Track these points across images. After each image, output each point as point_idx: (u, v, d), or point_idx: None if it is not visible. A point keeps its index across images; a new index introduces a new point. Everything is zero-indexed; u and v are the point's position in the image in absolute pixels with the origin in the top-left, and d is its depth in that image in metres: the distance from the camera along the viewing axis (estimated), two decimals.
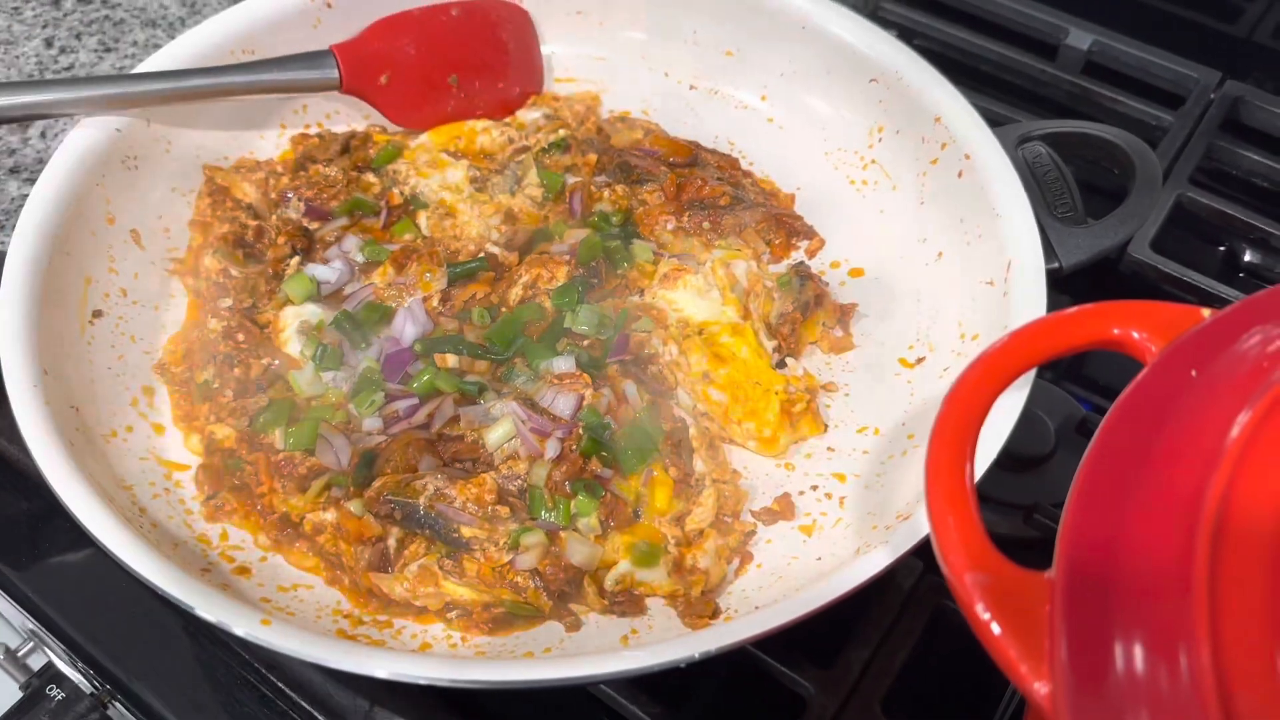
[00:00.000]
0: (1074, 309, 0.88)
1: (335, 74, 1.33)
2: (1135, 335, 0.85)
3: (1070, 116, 1.58)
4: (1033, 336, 0.87)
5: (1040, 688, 0.67)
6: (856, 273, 1.33)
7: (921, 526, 0.95)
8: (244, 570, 1.06)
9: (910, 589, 1.09)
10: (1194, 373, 0.78)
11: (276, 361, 1.17)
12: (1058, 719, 0.64)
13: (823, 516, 1.12)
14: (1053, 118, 1.45)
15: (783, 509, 1.12)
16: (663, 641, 0.91)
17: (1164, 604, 0.65)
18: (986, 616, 0.71)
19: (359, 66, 1.34)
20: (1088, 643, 0.65)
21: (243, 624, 0.89)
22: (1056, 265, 1.20)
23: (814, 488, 1.15)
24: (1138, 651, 0.64)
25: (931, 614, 1.08)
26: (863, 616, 1.07)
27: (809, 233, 1.36)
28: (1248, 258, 1.51)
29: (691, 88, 1.50)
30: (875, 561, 0.93)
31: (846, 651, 1.05)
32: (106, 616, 1.11)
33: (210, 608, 0.90)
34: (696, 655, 0.87)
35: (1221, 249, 1.52)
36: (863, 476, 1.14)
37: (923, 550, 0.95)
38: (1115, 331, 0.85)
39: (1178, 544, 0.67)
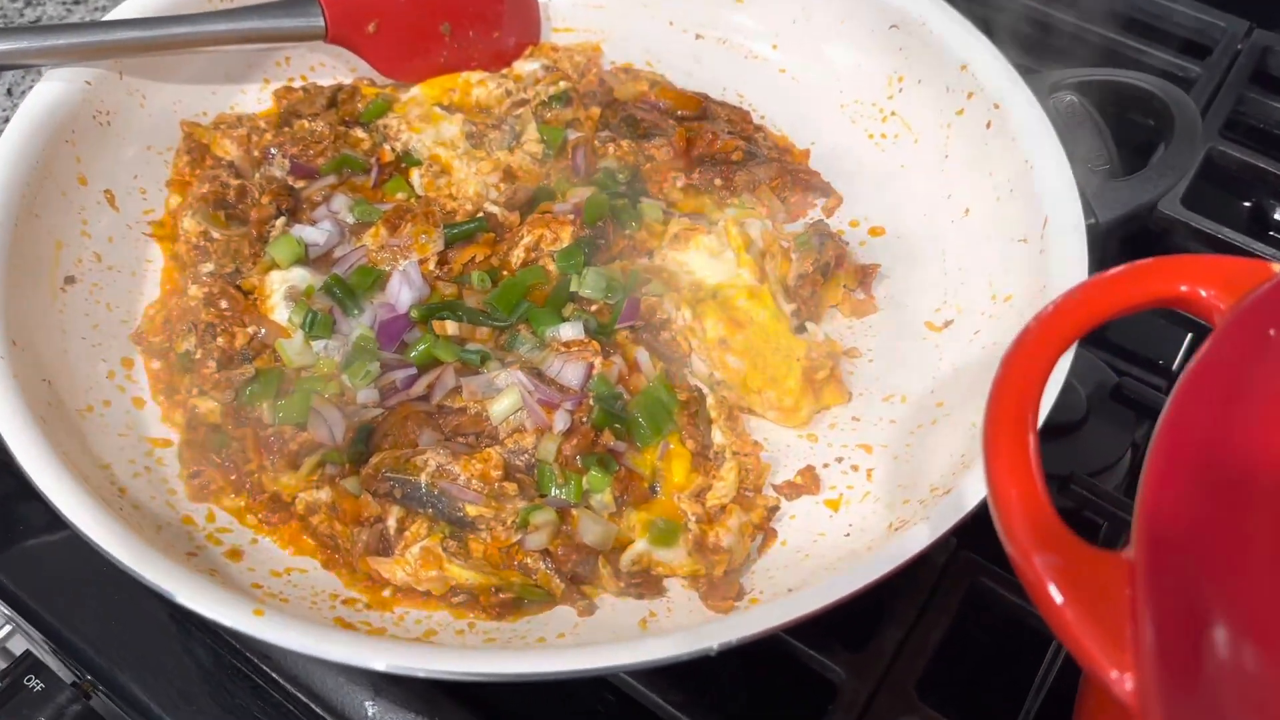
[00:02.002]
0: (1134, 264, 0.81)
1: (320, 22, 1.24)
2: (1203, 293, 0.78)
3: (1085, 64, 1.50)
4: (1091, 294, 0.80)
5: (1123, 680, 0.61)
6: (877, 231, 1.26)
7: (964, 501, 0.88)
8: (235, 553, 0.98)
9: (944, 564, 1.02)
10: (1273, 332, 0.71)
11: (263, 330, 1.09)
12: (1146, 716, 0.58)
13: (849, 490, 1.05)
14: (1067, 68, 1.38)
15: (807, 482, 1.05)
16: (686, 627, 0.85)
17: (1263, 584, 0.59)
18: (1060, 601, 0.64)
19: (345, 14, 1.26)
20: (1179, 630, 0.59)
21: (232, 615, 0.82)
22: (1092, 220, 1.13)
23: (839, 459, 1.08)
24: (1237, 638, 0.57)
25: (967, 590, 1.01)
26: (894, 595, 1.00)
27: (826, 189, 1.29)
28: (1279, 215, 1.44)
29: (698, 37, 1.42)
30: (915, 540, 0.87)
31: (878, 633, 0.98)
32: (87, 602, 1.04)
33: (196, 597, 0.83)
34: (732, 641, 0.81)
35: (1247, 204, 1.45)
36: (890, 447, 1.08)
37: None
38: (1182, 289, 0.78)
39: (1274, 518, 0.61)
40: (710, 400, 1.08)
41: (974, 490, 0.89)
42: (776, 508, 1.04)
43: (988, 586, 1.01)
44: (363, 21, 1.27)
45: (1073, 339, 0.78)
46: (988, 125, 1.19)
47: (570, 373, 1.06)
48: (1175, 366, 1.29)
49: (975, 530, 0.87)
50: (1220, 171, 1.39)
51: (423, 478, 0.98)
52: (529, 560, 0.97)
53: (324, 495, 1.00)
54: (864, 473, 1.06)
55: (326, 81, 1.35)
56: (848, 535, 1.00)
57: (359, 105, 1.30)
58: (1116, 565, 0.65)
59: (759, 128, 1.35)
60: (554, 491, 0.99)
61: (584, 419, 1.03)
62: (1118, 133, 1.31)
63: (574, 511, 0.99)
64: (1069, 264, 1.05)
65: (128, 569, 0.84)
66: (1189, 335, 1.32)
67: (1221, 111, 1.42)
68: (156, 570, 0.84)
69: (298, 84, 1.35)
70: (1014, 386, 0.74)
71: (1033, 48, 1.52)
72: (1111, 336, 1.34)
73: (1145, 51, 1.50)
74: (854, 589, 0.83)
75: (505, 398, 1.03)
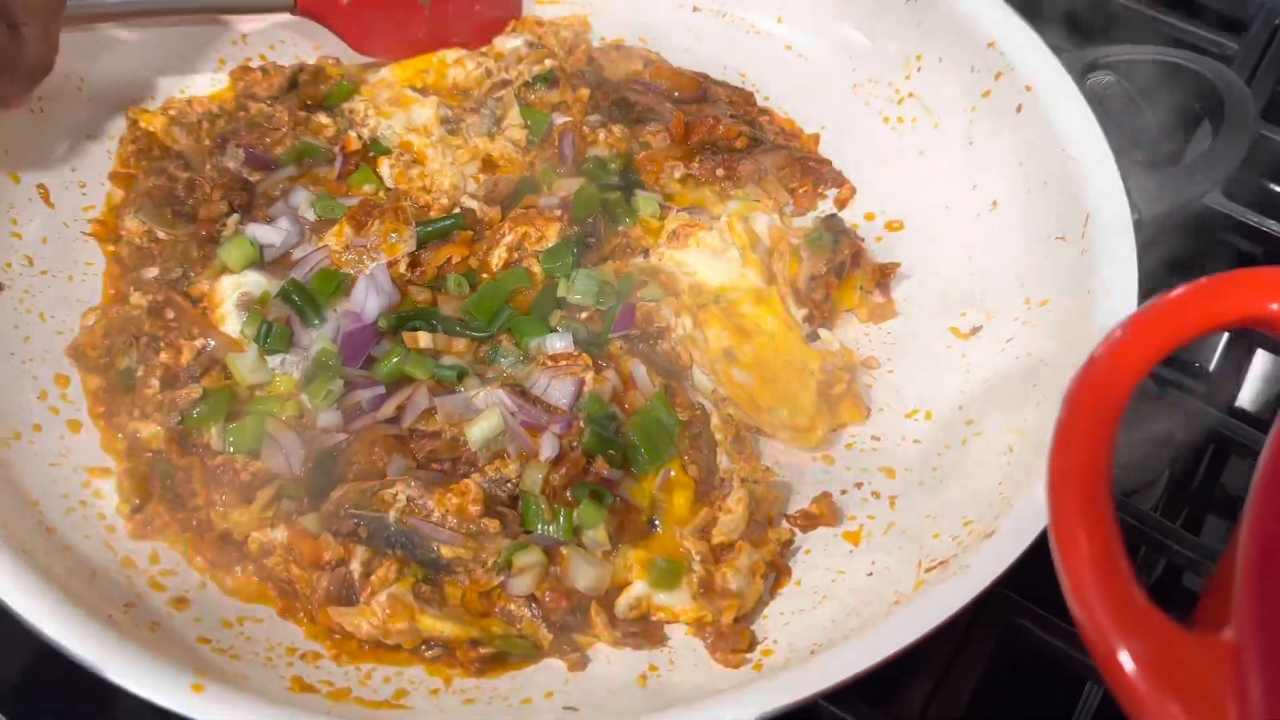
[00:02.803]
0: (1212, 280, 0.70)
1: None
2: None
3: (1115, 44, 1.39)
4: (1165, 315, 0.68)
5: None
6: (895, 226, 1.14)
7: (1009, 547, 0.78)
8: (179, 601, 0.87)
9: (976, 604, 0.91)
10: None
11: (212, 343, 0.97)
12: None
13: (871, 521, 0.94)
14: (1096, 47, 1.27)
15: (823, 512, 0.94)
16: (694, 690, 0.74)
17: None
18: (1147, 690, 0.54)
19: None
20: None
21: (167, 692, 0.70)
22: (1136, 215, 1.02)
23: (858, 485, 0.97)
24: None
25: (1001, 634, 0.90)
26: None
27: (837, 179, 1.18)
28: None
29: (695, 9, 1.30)
30: (955, 594, 0.76)
31: (904, 684, 0.87)
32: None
33: (128, 671, 0.71)
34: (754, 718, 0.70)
35: None
36: (915, 471, 0.97)
37: None
38: (1273, 307, 0.67)
39: None
40: (715, 420, 0.97)
41: (1020, 532, 0.78)
42: (790, 542, 0.93)
43: (1024, 627, 0.90)
44: None
45: (1146, 369, 0.67)
46: (1018, 109, 1.08)
47: (558, 390, 0.95)
48: (1212, 368, 1.18)
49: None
50: (1258, 157, 1.28)
51: (391, 514, 0.87)
52: (512, 607, 0.86)
53: (279, 535, 0.88)
54: (886, 500, 0.96)
55: (287, 61, 1.22)
56: (871, 575, 0.89)
57: (322, 87, 1.18)
58: (1213, 650, 0.55)
59: (764, 110, 1.23)
60: (540, 528, 0.88)
61: (574, 444, 0.92)
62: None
63: (563, 551, 0.88)
64: (1116, 266, 0.94)
65: (49, 640, 0.72)
66: (1225, 334, 1.21)
67: (1263, 91, 1.30)
68: (83, 639, 0.73)
69: (256, 64, 1.22)
70: (1082, 432, 0.62)
71: (1053, 20, 1.40)
72: None
73: (1176, 26, 1.38)
74: (885, 654, 0.73)
75: (485, 420, 0.92)
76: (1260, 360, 1.19)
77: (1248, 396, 1.19)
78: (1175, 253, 1.14)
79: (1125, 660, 0.55)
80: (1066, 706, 0.92)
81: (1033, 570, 0.78)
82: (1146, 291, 0.94)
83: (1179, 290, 0.70)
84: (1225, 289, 0.70)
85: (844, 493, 0.97)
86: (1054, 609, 0.89)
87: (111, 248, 1.07)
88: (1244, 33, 1.37)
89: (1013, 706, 0.93)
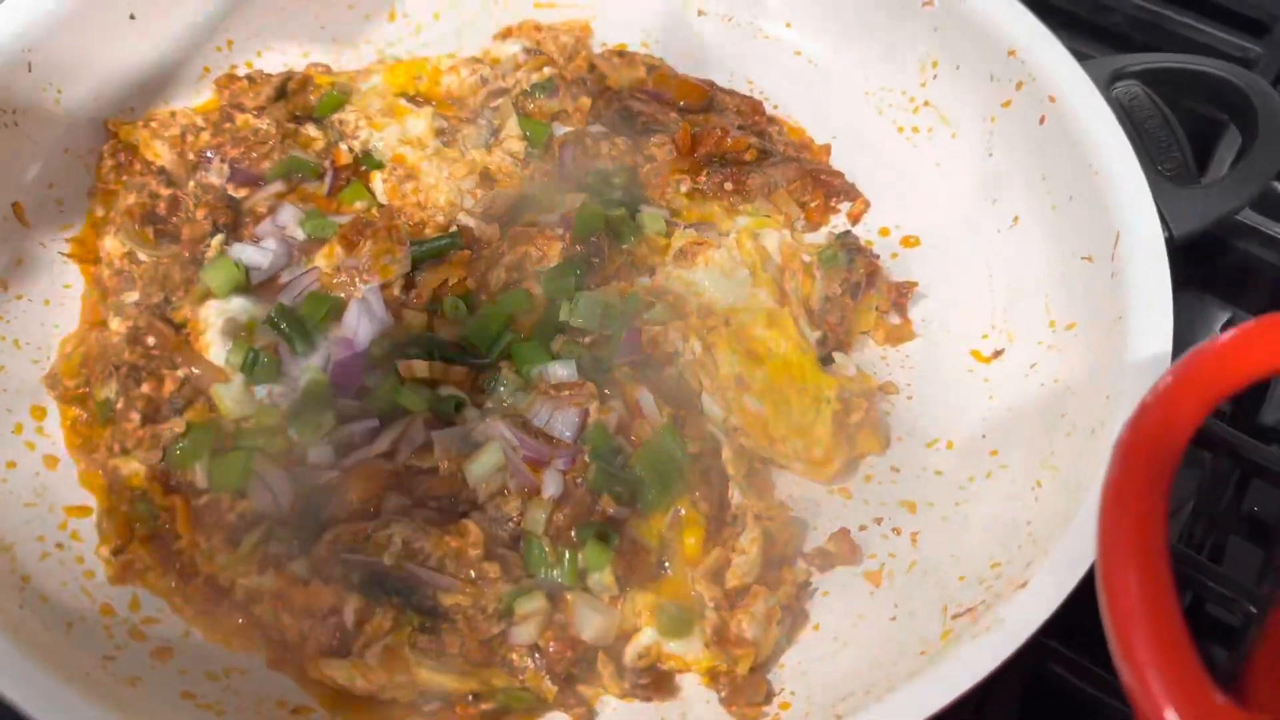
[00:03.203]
0: (1264, 322, 0.65)
1: None
2: None
3: (1135, 49, 1.33)
4: (1217, 361, 0.64)
5: None
6: (910, 242, 1.10)
7: (1045, 600, 0.73)
8: (163, 652, 0.82)
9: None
10: None
11: (196, 372, 0.92)
12: None
13: (892, 559, 0.90)
14: (1119, 50, 1.22)
15: (842, 550, 0.90)
16: None
17: None
18: None
19: None
20: None
21: None
22: (1166, 234, 0.97)
23: (878, 520, 0.92)
24: None
25: (1030, 679, 0.86)
26: None
27: (850, 192, 1.13)
28: None
29: (700, 13, 1.24)
30: (988, 651, 0.71)
31: None
32: None
33: None
34: None
35: None
36: (938, 505, 0.92)
37: None
38: None
39: None
40: (726, 451, 0.92)
41: (1056, 584, 0.74)
42: (808, 583, 0.88)
43: (1055, 673, 0.86)
44: None
45: (1198, 420, 0.62)
46: (1041, 120, 1.03)
47: (561, 421, 0.90)
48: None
49: None
50: None
51: (386, 558, 0.82)
52: (514, 657, 0.82)
53: (268, 581, 0.83)
54: (908, 537, 0.91)
55: (275, 69, 1.17)
56: (894, 619, 0.84)
57: (311, 97, 1.13)
58: None
59: (773, 120, 1.18)
60: (544, 572, 0.83)
61: (578, 480, 0.87)
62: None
63: (568, 596, 0.83)
64: (1149, 291, 0.89)
65: (20, 710, 0.68)
66: None
67: None
68: (52, 706, 0.67)
69: (242, 72, 1.16)
70: (1136, 490, 0.58)
71: (1069, 27, 1.35)
72: None
73: (1195, 28, 1.33)
74: (920, 717, 0.68)
75: (485, 455, 0.87)
76: None
77: (1272, 415, 1.15)
78: (1204, 270, 1.09)
79: None
80: None
81: (1063, 615, 0.74)
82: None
83: (1229, 335, 0.66)
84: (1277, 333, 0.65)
85: (863, 529, 0.92)
86: (1085, 652, 0.85)
87: (92, 269, 1.01)
88: (1266, 35, 1.32)
89: None
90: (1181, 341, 0.86)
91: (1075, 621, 0.75)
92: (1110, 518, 0.57)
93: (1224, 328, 1.09)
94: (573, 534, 0.85)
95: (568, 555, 0.84)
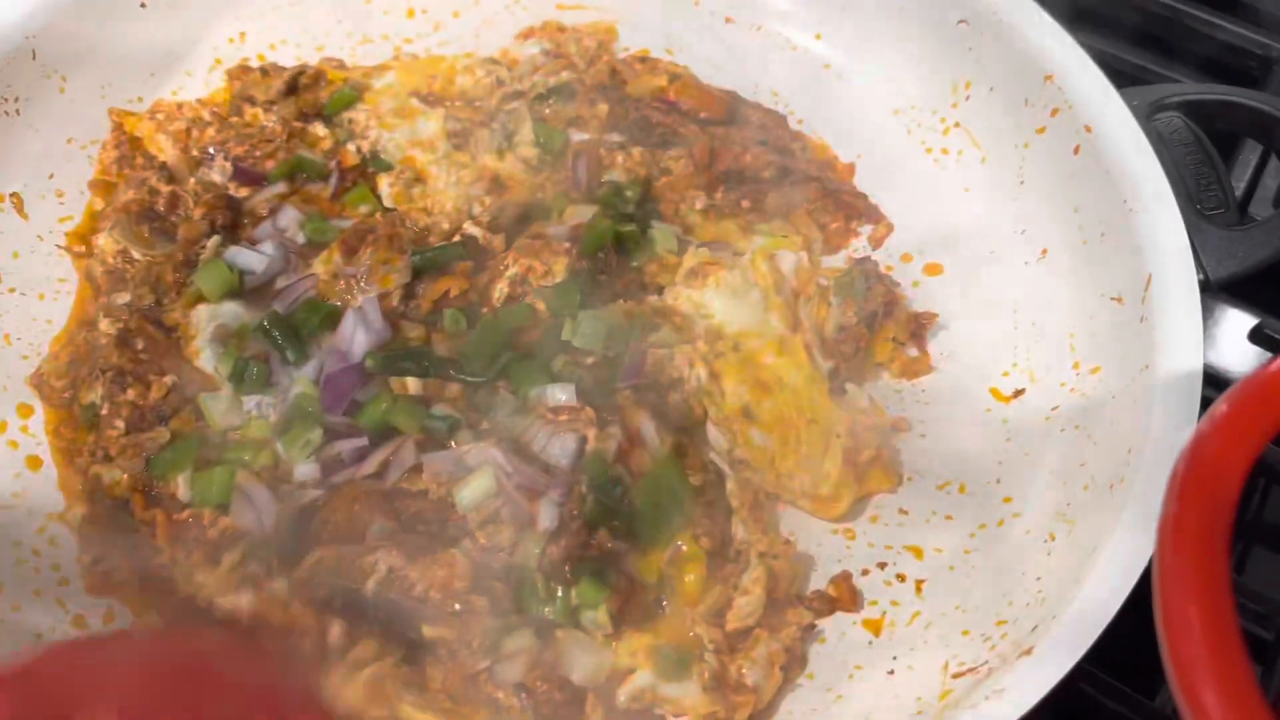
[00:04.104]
0: None
1: None
2: None
3: (1148, 45, 1.27)
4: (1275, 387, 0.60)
5: None
6: (934, 269, 1.05)
7: (1050, 671, 0.69)
8: None
9: None
10: None
11: (184, 379, 0.89)
12: None
13: (894, 608, 0.86)
14: (1134, 46, 1.19)
15: (842, 595, 0.86)
16: None
17: None
18: None
19: None
20: None
21: None
22: (1201, 276, 0.92)
23: (881, 565, 0.89)
24: None
25: (1061, 699, 0.81)
26: None
27: (873, 215, 1.09)
28: None
29: (728, 20, 1.20)
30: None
31: None
32: None
33: None
34: None
35: None
36: (946, 552, 0.88)
37: None
38: None
39: None
40: (730, 484, 0.88)
41: (1062, 654, 0.70)
42: (812, 626, 0.85)
43: (1087, 693, 0.81)
44: None
45: (1258, 449, 0.59)
46: (1075, 150, 0.98)
47: (558, 448, 0.86)
48: None
49: None
50: None
51: (370, 585, 0.79)
52: (500, 695, 0.78)
53: (246, 601, 0.80)
54: (912, 585, 0.87)
55: (288, 63, 1.14)
56: (892, 673, 0.81)
57: (322, 94, 1.09)
58: None
59: (797, 135, 1.14)
60: (535, 608, 0.80)
61: (574, 512, 0.83)
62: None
63: (559, 633, 0.80)
64: (1180, 340, 0.84)
65: None
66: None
67: None
68: None
69: (255, 65, 1.13)
70: (1197, 526, 0.55)
71: (1085, 24, 1.27)
72: None
73: (1217, 25, 1.26)
74: None
75: (477, 481, 0.84)
76: None
77: None
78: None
79: None
80: None
81: None
82: None
83: None
84: None
85: (865, 573, 0.88)
86: (1116, 672, 0.82)
87: (87, 264, 0.99)
88: None
89: None
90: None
91: (1110, 644, 0.72)
92: (1170, 558, 0.55)
93: (1251, 334, 1.04)
94: (566, 570, 0.82)
95: (560, 591, 0.81)
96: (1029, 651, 0.71)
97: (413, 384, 0.90)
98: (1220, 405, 0.61)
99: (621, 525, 0.83)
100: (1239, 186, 1.13)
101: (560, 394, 0.89)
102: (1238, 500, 0.58)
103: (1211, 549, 0.56)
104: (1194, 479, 0.58)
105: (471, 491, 0.84)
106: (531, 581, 0.81)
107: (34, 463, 0.89)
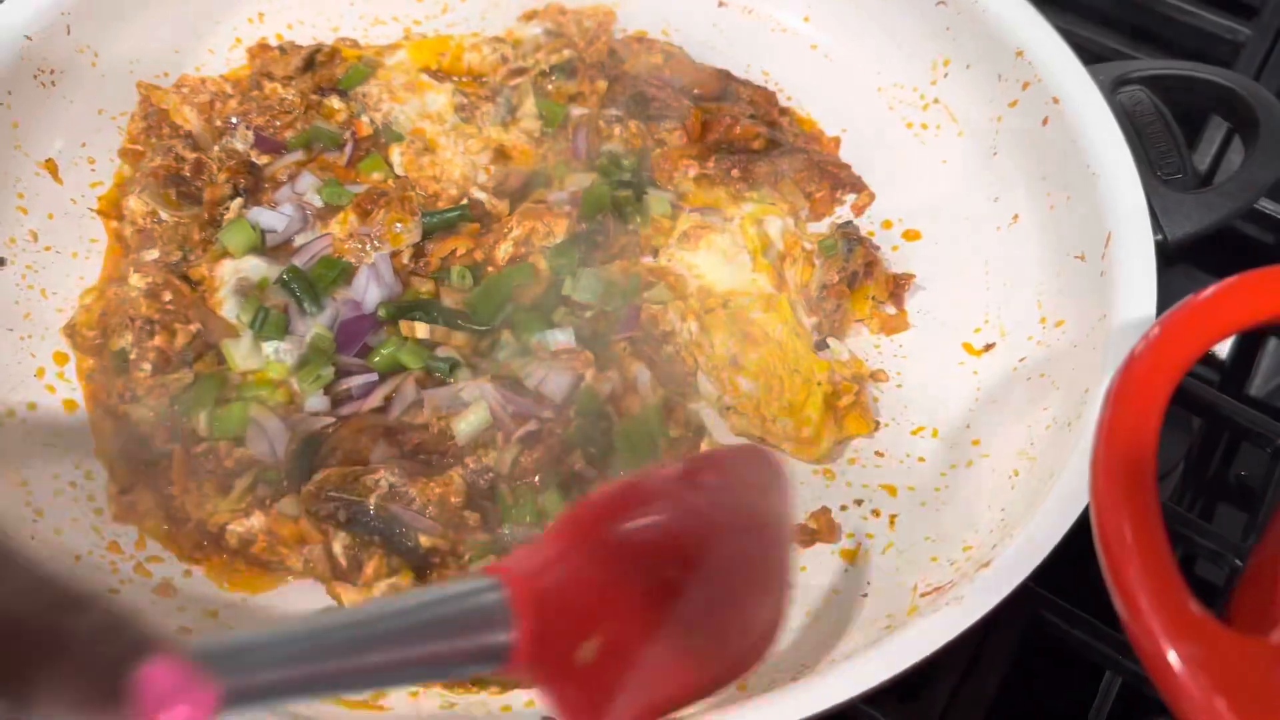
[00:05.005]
0: (1244, 277, 0.70)
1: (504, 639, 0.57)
2: None
3: (1119, 29, 1.32)
4: (1201, 313, 0.67)
5: None
6: (912, 235, 1.11)
7: (1004, 580, 0.75)
8: (166, 588, 0.86)
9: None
10: None
11: (208, 327, 0.96)
12: None
13: (869, 540, 0.92)
14: (1101, 27, 1.24)
15: (822, 528, 0.92)
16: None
17: None
18: (1196, 690, 0.56)
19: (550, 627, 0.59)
20: None
21: None
22: (1160, 237, 0.98)
23: (858, 502, 0.95)
24: None
25: (1025, 625, 0.87)
26: None
27: (856, 185, 1.15)
28: None
29: (721, 4, 1.26)
30: (944, 625, 0.73)
31: (930, 678, 0.83)
32: None
33: None
34: None
35: None
36: (918, 490, 0.94)
37: None
38: None
39: None
40: (705, 443, 0.95)
41: (1016, 567, 0.76)
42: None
43: (1049, 620, 0.87)
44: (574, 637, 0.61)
45: (1186, 367, 0.66)
46: (1044, 121, 1.04)
47: (554, 383, 0.93)
48: (1226, 356, 1.14)
49: None
50: None
51: (372, 499, 0.86)
52: None
53: (255, 522, 0.87)
54: (886, 519, 0.93)
55: (305, 41, 1.20)
56: (865, 595, 0.87)
57: (337, 70, 1.16)
58: (1263, 652, 0.58)
59: (785, 110, 1.20)
60: (509, 530, 0.87)
61: (556, 431, 0.90)
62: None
63: None
64: (1136, 290, 0.90)
65: None
66: None
67: (1273, 81, 1.24)
68: None
69: (274, 43, 1.20)
70: (1127, 430, 0.61)
71: (1052, 8, 1.32)
72: None
73: (1184, 9, 1.30)
74: (870, 685, 0.70)
75: (473, 414, 0.90)
76: (1274, 347, 1.15)
77: (1259, 384, 1.16)
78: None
79: (1174, 661, 0.56)
80: (1089, 692, 0.88)
81: (1054, 564, 0.77)
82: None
83: (1212, 289, 0.69)
84: (1257, 286, 0.68)
85: (843, 509, 0.94)
86: (1075, 600, 0.86)
87: (116, 225, 1.06)
88: (1255, 18, 1.29)
89: (1037, 694, 0.91)
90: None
91: (1067, 574, 0.78)
92: (1104, 456, 0.61)
93: None
94: (535, 478, 0.88)
95: (527, 497, 0.87)
96: (987, 565, 0.77)
97: (421, 329, 0.96)
98: (1154, 329, 0.67)
99: (596, 454, 0.90)
100: (1204, 162, 1.20)
101: (560, 337, 0.95)
102: (1165, 410, 0.64)
103: (1142, 456, 0.62)
104: (1125, 393, 0.64)
105: (468, 424, 0.90)
106: (504, 495, 0.87)
107: (70, 406, 0.96)
